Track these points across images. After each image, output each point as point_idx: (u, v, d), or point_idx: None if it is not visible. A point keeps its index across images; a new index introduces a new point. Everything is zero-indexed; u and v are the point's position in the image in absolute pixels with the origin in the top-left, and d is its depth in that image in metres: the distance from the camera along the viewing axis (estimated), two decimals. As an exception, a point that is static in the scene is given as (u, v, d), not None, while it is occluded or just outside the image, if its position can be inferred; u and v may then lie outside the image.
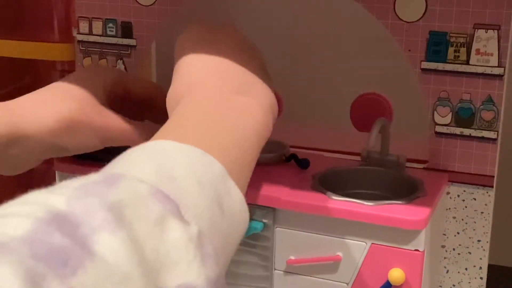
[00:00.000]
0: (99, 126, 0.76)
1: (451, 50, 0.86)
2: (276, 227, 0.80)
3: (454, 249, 0.91)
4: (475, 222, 0.89)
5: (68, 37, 1.09)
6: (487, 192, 0.88)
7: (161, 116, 0.81)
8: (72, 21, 1.07)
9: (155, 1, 1.00)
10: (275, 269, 0.82)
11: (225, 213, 0.46)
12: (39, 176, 1.24)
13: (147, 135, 0.77)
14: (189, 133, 0.53)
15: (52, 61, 1.16)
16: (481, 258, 0.90)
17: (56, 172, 0.91)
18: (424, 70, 0.88)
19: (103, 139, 0.77)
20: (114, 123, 0.77)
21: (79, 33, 1.06)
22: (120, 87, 0.81)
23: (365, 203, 0.77)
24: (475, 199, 0.89)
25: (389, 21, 0.88)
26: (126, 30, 1.03)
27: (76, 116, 0.74)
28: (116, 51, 1.04)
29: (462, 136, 0.88)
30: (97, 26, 1.04)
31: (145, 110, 0.85)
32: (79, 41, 1.06)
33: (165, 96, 0.74)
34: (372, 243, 0.77)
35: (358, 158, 0.92)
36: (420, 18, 0.87)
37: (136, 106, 0.84)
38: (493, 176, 0.88)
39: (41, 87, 1.22)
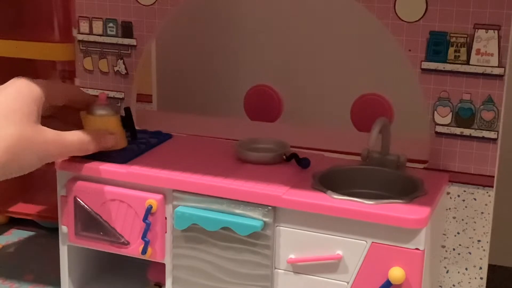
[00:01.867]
0: (39, 145, 0.79)
1: (451, 50, 0.87)
2: (277, 226, 0.81)
3: (454, 249, 0.91)
4: (475, 222, 0.89)
5: (68, 37, 1.09)
6: (487, 192, 0.88)
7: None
8: (72, 21, 1.07)
9: (155, 1, 1.00)
10: (275, 268, 0.82)
11: None
12: (39, 176, 1.24)
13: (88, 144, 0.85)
14: None
15: (52, 61, 1.16)
16: (481, 258, 0.90)
17: (57, 171, 0.91)
18: (424, 70, 0.88)
19: (42, 157, 0.81)
20: (53, 139, 0.80)
21: (79, 33, 1.06)
22: (48, 100, 0.84)
23: (366, 202, 0.77)
24: (475, 199, 0.89)
25: (389, 21, 0.88)
26: (127, 30, 1.03)
27: (17, 140, 0.76)
28: (116, 51, 1.04)
29: (462, 136, 0.88)
30: (97, 26, 1.04)
31: (69, 113, 0.90)
32: (79, 41, 1.06)
33: (84, 99, 0.89)
34: (373, 242, 0.77)
35: (359, 158, 0.92)
36: (420, 18, 0.87)
37: (62, 111, 0.89)
38: (493, 176, 0.88)
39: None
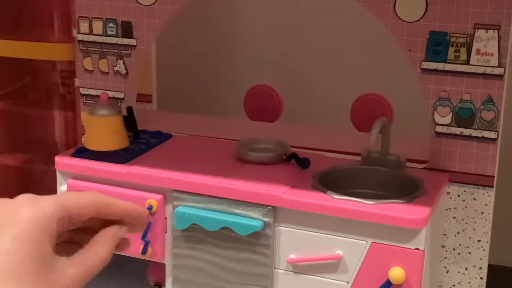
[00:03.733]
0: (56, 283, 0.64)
1: (451, 50, 0.86)
2: (277, 226, 0.80)
3: (454, 249, 0.91)
4: (475, 222, 0.89)
5: (68, 37, 1.09)
6: (487, 192, 0.88)
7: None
8: (72, 21, 1.07)
9: (155, 1, 1.00)
10: (275, 268, 0.81)
11: None
12: (39, 175, 1.24)
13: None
14: None
15: (52, 61, 1.16)
16: (481, 258, 0.90)
17: (57, 171, 0.91)
18: (424, 70, 0.88)
19: None
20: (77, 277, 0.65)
21: (79, 33, 1.06)
22: (64, 219, 0.69)
23: (366, 202, 0.77)
24: (475, 199, 0.89)
25: (390, 21, 0.88)
26: (127, 30, 1.03)
27: None
28: (116, 51, 1.04)
29: (462, 136, 0.88)
30: (97, 26, 1.04)
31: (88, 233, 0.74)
32: (79, 41, 1.06)
33: (113, 208, 0.65)
34: (373, 242, 0.77)
35: (359, 158, 0.92)
36: (420, 18, 0.87)
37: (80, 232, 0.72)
38: (493, 176, 0.88)
39: (41, 87, 1.23)
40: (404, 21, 0.88)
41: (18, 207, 0.60)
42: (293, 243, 0.80)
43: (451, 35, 0.86)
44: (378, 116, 0.87)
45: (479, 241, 0.90)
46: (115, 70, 1.05)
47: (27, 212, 0.58)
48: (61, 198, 0.61)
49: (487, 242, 0.90)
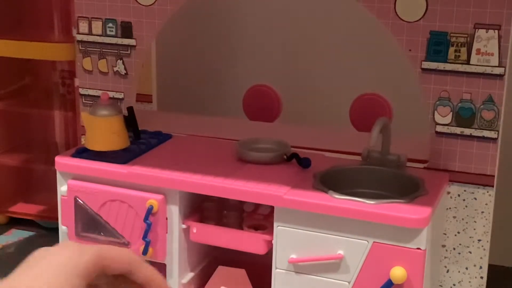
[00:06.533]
0: None
1: (451, 50, 0.87)
2: (278, 226, 0.80)
3: (454, 249, 0.91)
4: (475, 222, 0.89)
5: (68, 37, 1.09)
6: (487, 192, 0.88)
7: None
8: (72, 21, 1.07)
9: (155, 1, 1.00)
10: (276, 268, 0.81)
11: None
12: (39, 176, 1.24)
13: None
14: None
15: (52, 61, 1.16)
16: (481, 258, 0.90)
17: (57, 171, 0.91)
18: (425, 70, 0.88)
19: None
20: None
21: (78, 33, 1.06)
22: (98, 267, 0.69)
23: (367, 201, 0.77)
24: (475, 198, 0.89)
25: (390, 21, 0.88)
26: (126, 30, 1.03)
27: None
28: (116, 51, 1.04)
29: (462, 135, 0.88)
30: (97, 26, 1.04)
31: (121, 283, 0.73)
32: (78, 41, 1.06)
33: (143, 271, 0.66)
34: (374, 242, 0.77)
35: (359, 158, 0.92)
36: (420, 18, 0.87)
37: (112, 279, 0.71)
38: (494, 176, 0.88)
39: (41, 87, 1.23)
40: (404, 21, 0.88)
41: (60, 247, 0.59)
42: (294, 243, 0.80)
43: (451, 35, 0.86)
44: (377, 116, 0.87)
45: (479, 240, 0.90)
46: (115, 70, 1.05)
47: (65, 251, 0.55)
48: (100, 248, 0.61)
49: (487, 241, 0.90)
